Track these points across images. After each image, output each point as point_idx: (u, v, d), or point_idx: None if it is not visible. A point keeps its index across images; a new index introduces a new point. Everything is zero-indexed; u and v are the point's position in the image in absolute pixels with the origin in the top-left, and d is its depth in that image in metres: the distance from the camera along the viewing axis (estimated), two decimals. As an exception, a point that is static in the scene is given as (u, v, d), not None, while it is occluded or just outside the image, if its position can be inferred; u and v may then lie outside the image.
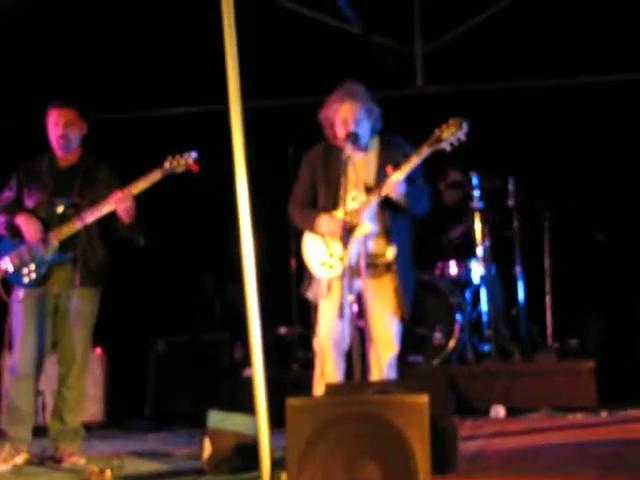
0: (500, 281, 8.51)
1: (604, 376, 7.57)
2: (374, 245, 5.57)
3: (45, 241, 5.86)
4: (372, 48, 8.59)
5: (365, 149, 5.65)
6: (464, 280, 8.27)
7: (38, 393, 6.85)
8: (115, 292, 6.31)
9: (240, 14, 4.54)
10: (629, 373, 8.07)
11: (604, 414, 7.21)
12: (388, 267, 5.58)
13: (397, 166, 5.46)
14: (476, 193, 8.30)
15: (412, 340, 7.61)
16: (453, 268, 8.31)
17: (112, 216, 5.87)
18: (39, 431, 6.49)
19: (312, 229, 5.67)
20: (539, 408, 7.40)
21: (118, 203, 5.78)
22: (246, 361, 5.29)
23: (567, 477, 4.85)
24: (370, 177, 5.60)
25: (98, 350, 7.79)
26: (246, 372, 6.81)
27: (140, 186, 5.82)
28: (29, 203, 6.00)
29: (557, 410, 7.36)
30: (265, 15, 7.74)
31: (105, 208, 5.82)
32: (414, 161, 5.45)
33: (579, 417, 7.12)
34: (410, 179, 5.52)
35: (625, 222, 8.43)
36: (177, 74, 8.33)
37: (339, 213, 5.49)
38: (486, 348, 8.16)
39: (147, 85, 8.42)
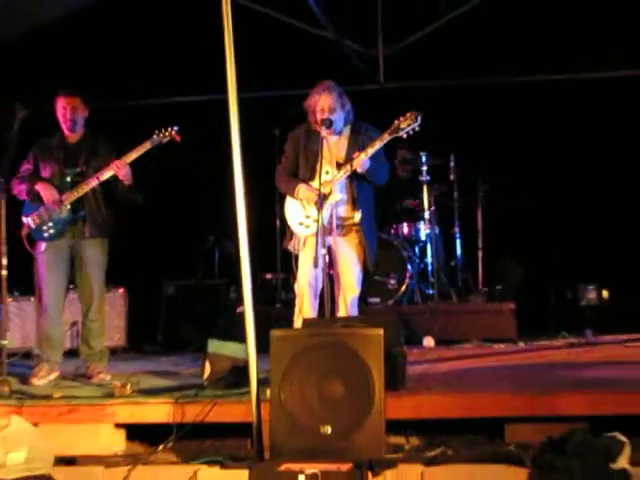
0: (442, 239, 8.51)
1: (522, 314, 7.63)
2: (344, 210, 5.60)
3: (60, 203, 5.87)
4: (342, 50, 8.52)
5: (338, 133, 5.65)
6: (414, 238, 8.26)
7: (73, 323, 6.90)
8: (136, 246, 6.33)
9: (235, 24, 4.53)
10: (541, 312, 8.14)
11: (521, 344, 7.30)
12: (354, 227, 5.61)
13: (364, 148, 5.49)
14: (424, 168, 8.30)
15: (371, 285, 7.63)
16: (405, 228, 8.30)
17: (114, 181, 5.88)
18: (73, 353, 6.54)
19: (293, 195, 5.68)
20: (471, 339, 7.45)
21: (117, 169, 5.79)
22: (239, 300, 5.32)
23: (491, 393, 4.86)
24: (341, 156, 5.60)
25: (121, 290, 7.80)
26: (239, 309, 6.84)
27: (133, 155, 5.84)
28: (44, 173, 5.99)
29: (485, 341, 7.40)
30: (252, 22, 7.66)
31: (106, 174, 5.83)
32: (377, 145, 5.48)
33: (502, 346, 7.19)
34: (373, 157, 5.54)
35: (541, 193, 8.43)
36: (178, 68, 8.28)
37: (315, 183, 5.50)
38: (430, 292, 8.16)
39: (151, 75, 8.38)
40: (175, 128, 5.86)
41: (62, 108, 5.96)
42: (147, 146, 5.84)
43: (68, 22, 7.78)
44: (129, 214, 6.25)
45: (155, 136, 5.85)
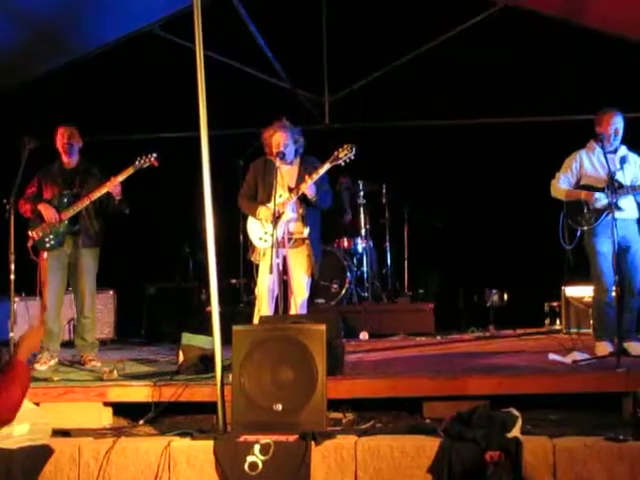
0: (375, 251, 8.51)
1: (439, 313, 7.66)
2: (294, 226, 5.59)
3: (59, 220, 5.82)
4: (296, 96, 8.55)
5: (290, 163, 5.65)
6: (352, 251, 8.24)
7: (70, 320, 6.80)
8: (125, 253, 6.27)
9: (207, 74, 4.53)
10: (454, 311, 8.20)
11: (438, 337, 7.32)
12: (303, 241, 5.61)
13: (310, 175, 5.51)
14: (361, 194, 8.34)
15: (318, 289, 7.66)
16: (345, 242, 8.27)
17: (106, 198, 5.86)
18: (70, 344, 6.45)
19: (253, 215, 5.67)
20: (398, 333, 7.47)
21: (111, 187, 5.76)
22: (208, 301, 5.31)
23: (413, 377, 4.91)
24: (292, 182, 5.60)
25: (111, 292, 7.72)
26: (208, 308, 6.78)
27: (121, 177, 5.78)
28: (46, 195, 5.93)
29: (409, 334, 7.42)
30: (222, 72, 7.67)
31: (99, 192, 5.79)
32: (320, 171, 5.49)
33: (422, 339, 7.22)
34: (319, 184, 5.56)
35: (454, 214, 8.48)
36: (155, 109, 8.25)
37: (271, 205, 5.51)
38: (365, 294, 8.15)
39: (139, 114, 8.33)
40: (154, 155, 5.82)
41: (61, 135, 5.94)
42: (131, 170, 5.79)
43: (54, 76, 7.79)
44: (119, 229, 6.19)
45: (137, 162, 5.81)
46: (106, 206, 5.94)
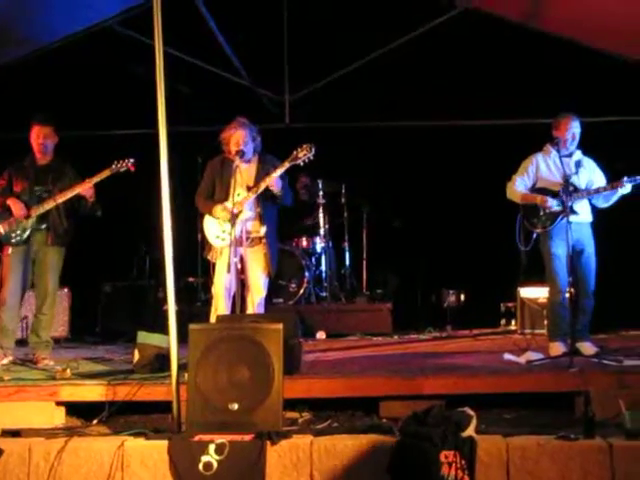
0: (334, 251, 8.51)
1: (396, 313, 7.69)
2: (252, 225, 5.56)
3: (27, 215, 5.73)
4: (257, 95, 8.53)
5: (248, 162, 5.62)
6: (311, 250, 8.22)
7: (23, 317, 6.67)
8: (79, 251, 6.18)
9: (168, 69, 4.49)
10: (412, 311, 8.24)
11: (395, 337, 7.36)
12: (261, 240, 5.59)
13: (268, 173, 5.49)
14: (321, 193, 8.34)
15: (276, 288, 7.64)
16: (304, 242, 8.25)
17: (78, 198, 5.79)
18: (23, 342, 6.33)
19: (210, 213, 5.64)
20: (355, 333, 7.49)
21: (83, 190, 5.71)
22: (165, 300, 5.26)
23: (369, 376, 4.94)
24: (251, 180, 5.58)
25: (66, 289, 7.61)
26: (164, 307, 6.72)
27: (96, 179, 5.72)
28: (16, 189, 5.84)
29: (366, 334, 7.44)
30: (183, 69, 7.63)
31: (72, 193, 5.73)
32: (280, 169, 5.47)
33: (380, 339, 7.24)
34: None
35: (412, 215, 8.53)
36: (120, 106, 8.15)
37: (229, 203, 5.48)
38: (323, 294, 8.15)
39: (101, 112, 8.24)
40: (131, 160, 5.75)
41: (36, 135, 5.84)
42: (107, 173, 5.73)
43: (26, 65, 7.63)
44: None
45: (114, 165, 5.73)
46: (77, 207, 5.87)
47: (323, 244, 8.24)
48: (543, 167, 5.71)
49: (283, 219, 6.87)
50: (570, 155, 5.63)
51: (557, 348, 5.52)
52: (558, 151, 5.54)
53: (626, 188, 5.44)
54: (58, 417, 4.75)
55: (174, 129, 4.82)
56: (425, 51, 8.02)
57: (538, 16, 7.45)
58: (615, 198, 5.58)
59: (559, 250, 5.52)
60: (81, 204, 5.85)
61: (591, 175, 5.69)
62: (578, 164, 5.63)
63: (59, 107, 6.99)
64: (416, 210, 8.46)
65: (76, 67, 8.10)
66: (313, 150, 5.44)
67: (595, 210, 5.72)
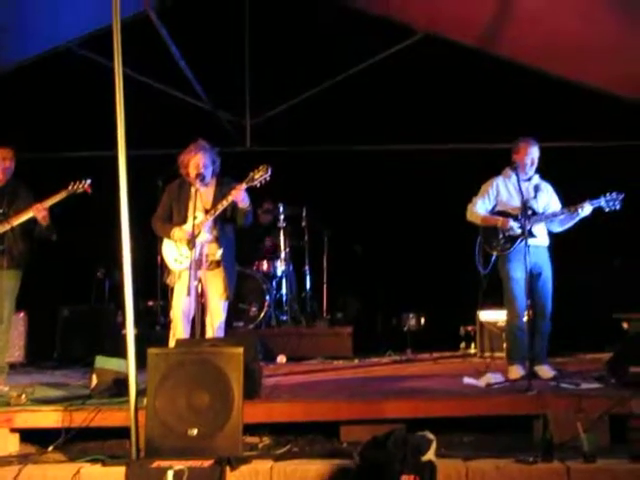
0: (295, 275, 8.48)
1: (357, 337, 7.64)
2: (209, 248, 5.51)
3: None
4: (217, 118, 8.53)
5: (207, 185, 5.59)
6: (272, 274, 8.17)
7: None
8: (36, 275, 6.09)
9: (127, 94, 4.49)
10: (372, 335, 8.23)
11: (356, 360, 7.32)
12: (218, 263, 5.55)
13: (225, 196, 5.45)
14: (282, 217, 8.34)
15: (236, 312, 7.59)
16: (265, 265, 8.20)
17: (33, 221, 5.67)
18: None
19: (167, 236, 5.61)
20: (316, 357, 7.44)
21: (36, 212, 5.60)
22: (124, 324, 5.20)
23: (330, 400, 4.92)
24: (208, 203, 5.54)
25: (22, 313, 7.47)
26: (123, 331, 6.65)
27: (51, 201, 5.63)
28: None
29: (327, 358, 7.40)
30: (142, 92, 7.59)
31: (26, 215, 5.63)
32: (239, 188, 5.40)
33: (340, 362, 7.21)
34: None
35: (373, 240, 8.56)
36: (80, 129, 8.09)
37: (187, 226, 5.46)
38: (284, 317, 8.12)
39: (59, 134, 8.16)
40: (88, 181, 5.67)
41: (1, 159, 5.75)
42: (63, 195, 5.63)
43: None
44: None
45: (70, 187, 5.65)
46: (32, 230, 5.75)
47: (284, 267, 8.21)
48: (503, 190, 5.79)
49: (244, 242, 6.88)
50: (529, 179, 5.72)
51: (516, 371, 5.57)
52: (517, 175, 5.63)
53: (586, 211, 5.54)
54: (12, 444, 4.67)
55: (134, 152, 4.81)
56: (385, 76, 8.13)
57: (492, 41, 7.61)
58: (572, 222, 5.66)
59: (517, 273, 5.58)
60: (35, 227, 5.73)
61: (549, 199, 5.79)
62: (537, 188, 5.73)
63: (15, 128, 6.94)
64: (377, 234, 8.50)
65: (34, 89, 8.03)
66: (269, 171, 5.40)
67: (551, 234, 5.81)
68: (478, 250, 5.83)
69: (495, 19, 7.18)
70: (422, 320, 8.15)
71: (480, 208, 5.82)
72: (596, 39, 6.82)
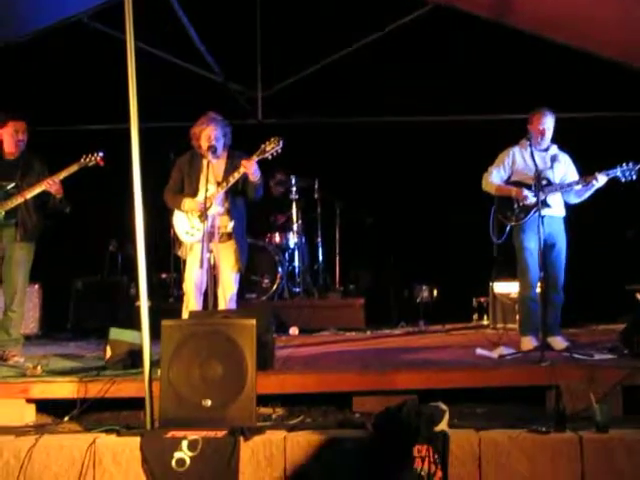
0: (307, 247, 8.48)
1: (369, 308, 7.70)
2: (220, 220, 5.52)
3: None
4: (229, 91, 8.49)
5: (218, 157, 5.58)
6: (284, 246, 8.17)
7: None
8: (50, 247, 6.12)
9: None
10: (384, 307, 8.24)
11: (368, 332, 7.36)
12: (230, 235, 5.56)
13: (237, 168, 5.43)
14: (294, 189, 8.30)
15: (248, 284, 7.61)
16: (277, 237, 8.19)
17: (47, 194, 5.70)
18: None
19: (178, 208, 5.62)
20: (328, 328, 7.47)
21: (49, 185, 5.62)
22: (137, 296, 5.23)
23: (342, 371, 4.95)
24: (219, 176, 5.54)
25: (37, 286, 7.53)
26: (137, 303, 6.69)
27: (63, 174, 5.64)
28: None
29: (339, 330, 7.43)
30: (155, 65, 7.56)
31: (39, 188, 5.65)
32: (251, 161, 5.37)
33: (353, 334, 7.25)
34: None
35: (385, 211, 8.52)
36: (93, 102, 8.06)
37: (198, 198, 5.46)
38: (296, 290, 8.13)
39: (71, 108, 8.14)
40: (100, 154, 5.67)
41: (14, 131, 5.76)
42: (75, 167, 5.64)
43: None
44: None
45: (82, 159, 5.65)
46: (45, 202, 5.78)
47: (296, 240, 8.21)
48: (519, 160, 5.74)
49: (256, 215, 6.90)
50: (546, 150, 5.68)
51: (528, 342, 5.57)
52: (532, 145, 5.59)
53: (600, 182, 5.49)
54: (29, 414, 4.71)
55: (146, 124, 4.80)
56: (398, 47, 8.04)
57: (506, 12, 7.50)
58: (589, 193, 5.62)
59: (531, 244, 5.56)
60: (49, 200, 5.76)
61: (567, 169, 5.74)
62: (554, 158, 5.68)
63: (28, 101, 6.94)
64: (390, 205, 8.46)
65: (45, 61, 8.00)
66: (281, 143, 5.38)
67: (568, 205, 5.77)
68: (492, 220, 5.80)
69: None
70: (435, 292, 8.14)
71: (495, 177, 5.78)
72: (606, 9, 6.70)
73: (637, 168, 5.41)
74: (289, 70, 8.32)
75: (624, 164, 5.44)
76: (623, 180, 5.45)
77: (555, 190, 5.59)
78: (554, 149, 5.74)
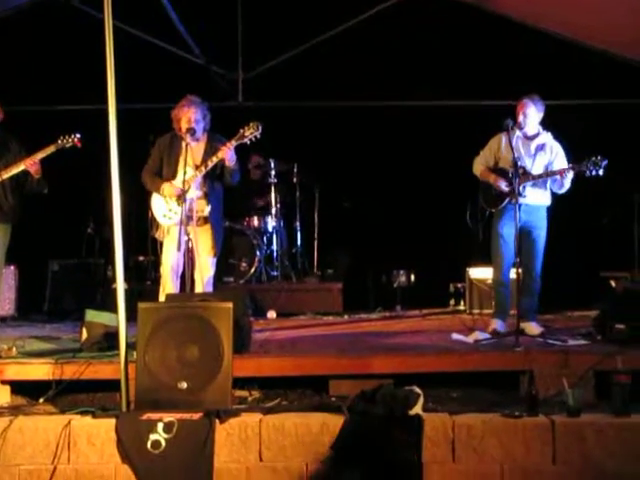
0: (285, 230, 8.46)
1: (347, 293, 7.72)
2: (197, 204, 5.52)
3: None
4: (209, 73, 8.43)
5: (197, 140, 5.57)
6: (262, 229, 8.14)
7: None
8: (26, 229, 6.07)
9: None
10: (362, 291, 8.27)
11: (345, 316, 7.39)
12: (206, 219, 5.57)
13: (224, 145, 5.43)
14: (272, 172, 8.29)
15: (226, 267, 7.61)
16: (256, 221, 8.16)
17: (24, 174, 5.65)
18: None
19: (157, 191, 5.61)
20: (306, 312, 7.49)
21: (29, 166, 5.57)
22: (114, 278, 5.21)
23: (319, 355, 4.97)
24: (198, 159, 5.53)
25: (12, 267, 7.47)
26: (114, 285, 6.66)
27: (40, 155, 5.59)
28: None
29: (317, 314, 7.45)
30: (134, 46, 7.48)
31: (16, 169, 5.61)
32: (228, 146, 5.39)
33: (330, 318, 7.27)
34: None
35: (363, 196, 8.52)
36: (70, 82, 7.97)
37: (177, 182, 5.46)
38: (274, 273, 8.12)
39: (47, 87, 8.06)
40: (77, 135, 5.61)
41: None
42: (52, 148, 5.59)
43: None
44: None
45: (59, 141, 5.59)
46: (23, 183, 5.72)
47: (274, 223, 8.20)
48: (504, 147, 5.69)
49: (235, 198, 6.87)
50: (533, 138, 5.66)
51: (494, 324, 5.70)
52: (515, 132, 5.60)
53: (570, 175, 5.50)
54: (3, 396, 4.69)
55: (124, 105, 4.76)
56: (378, 32, 8.01)
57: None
58: (566, 185, 5.61)
59: (505, 230, 5.61)
60: (27, 180, 5.71)
61: (552, 159, 5.68)
62: (540, 147, 5.66)
63: (3, 81, 6.83)
64: (369, 190, 8.46)
65: (22, 40, 7.90)
66: (260, 128, 5.38)
67: (554, 194, 5.75)
68: (471, 205, 5.83)
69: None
70: (412, 277, 8.16)
71: (480, 162, 5.82)
72: None
73: (604, 164, 5.37)
74: (270, 53, 8.26)
75: (591, 159, 5.38)
76: (587, 175, 5.42)
77: (529, 179, 5.58)
78: (543, 138, 5.69)
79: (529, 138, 5.65)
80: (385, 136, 8.34)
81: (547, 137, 5.72)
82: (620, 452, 4.06)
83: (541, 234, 5.68)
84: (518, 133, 5.65)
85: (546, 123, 5.72)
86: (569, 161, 5.68)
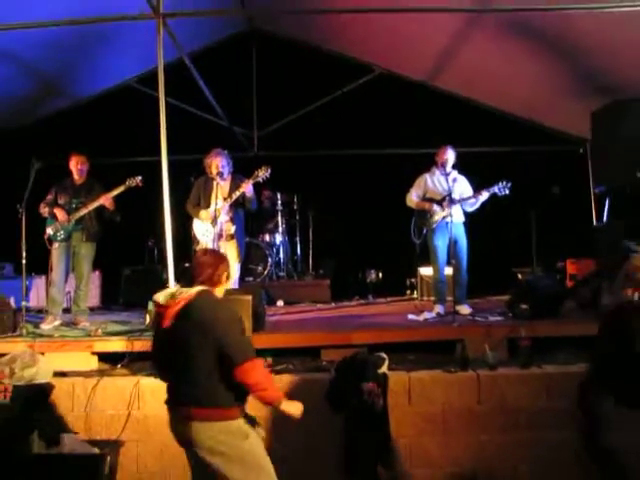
0: (289, 243, 8.40)
1: (333, 287, 7.68)
2: (226, 225, 5.56)
3: (68, 220, 5.69)
4: (233, 131, 8.48)
5: (224, 180, 5.60)
6: (272, 243, 8.13)
7: (67, 292, 6.54)
8: (106, 245, 6.12)
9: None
10: (344, 285, 8.12)
11: (333, 304, 7.32)
12: (232, 236, 5.59)
13: (238, 187, 5.48)
14: (279, 202, 8.29)
15: (247, 270, 7.60)
16: (267, 237, 8.14)
17: (103, 207, 5.75)
18: (67, 310, 6.24)
19: (196, 216, 5.65)
20: (304, 302, 7.45)
21: (104, 201, 5.68)
22: (168, 279, 5.24)
23: (314, 332, 5.02)
24: (225, 193, 5.56)
25: (97, 272, 7.49)
26: (168, 285, 6.65)
27: (114, 192, 5.70)
28: (60, 201, 5.78)
29: (312, 302, 7.40)
30: (177, 113, 7.54)
31: (97, 203, 5.70)
32: (247, 183, 5.45)
33: (322, 305, 7.22)
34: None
35: (346, 219, 8.39)
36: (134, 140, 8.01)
37: (210, 210, 5.50)
38: (282, 274, 8.09)
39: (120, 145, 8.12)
40: (139, 178, 5.72)
41: (75, 162, 5.82)
42: (121, 188, 5.70)
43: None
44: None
45: (127, 181, 5.71)
46: (102, 213, 5.83)
47: (281, 238, 8.19)
48: (429, 183, 5.84)
49: (252, 221, 6.91)
50: (448, 174, 5.75)
51: (437, 309, 5.74)
52: (438, 171, 5.70)
53: (484, 196, 5.58)
54: (93, 363, 4.76)
55: (172, 157, 4.85)
56: (356, 102, 8.08)
57: (434, 77, 7.57)
58: (478, 205, 5.70)
59: (439, 242, 5.70)
60: (104, 211, 5.80)
61: (464, 188, 5.82)
62: (454, 180, 5.77)
63: (88, 142, 6.90)
64: (349, 214, 8.36)
65: (103, 112, 7.97)
66: (269, 170, 5.44)
67: (466, 213, 5.84)
68: (414, 225, 5.91)
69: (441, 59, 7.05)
70: (380, 274, 8.14)
71: (414, 196, 5.89)
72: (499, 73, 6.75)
73: (509, 186, 5.49)
74: (277, 117, 8.33)
75: (500, 183, 5.53)
76: (499, 194, 5.54)
77: (456, 203, 5.67)
78: (454, 173, 5.80)
79: (447, 174, 5.71)
80: (361, 176, 8.28)
81: (456, 173, 5.83)
82: (523, 393, 4.15)
83: (464, 242, 5.73)
84: (437, 172, 5.74)
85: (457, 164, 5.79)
86: (474, 188, 5.76)
